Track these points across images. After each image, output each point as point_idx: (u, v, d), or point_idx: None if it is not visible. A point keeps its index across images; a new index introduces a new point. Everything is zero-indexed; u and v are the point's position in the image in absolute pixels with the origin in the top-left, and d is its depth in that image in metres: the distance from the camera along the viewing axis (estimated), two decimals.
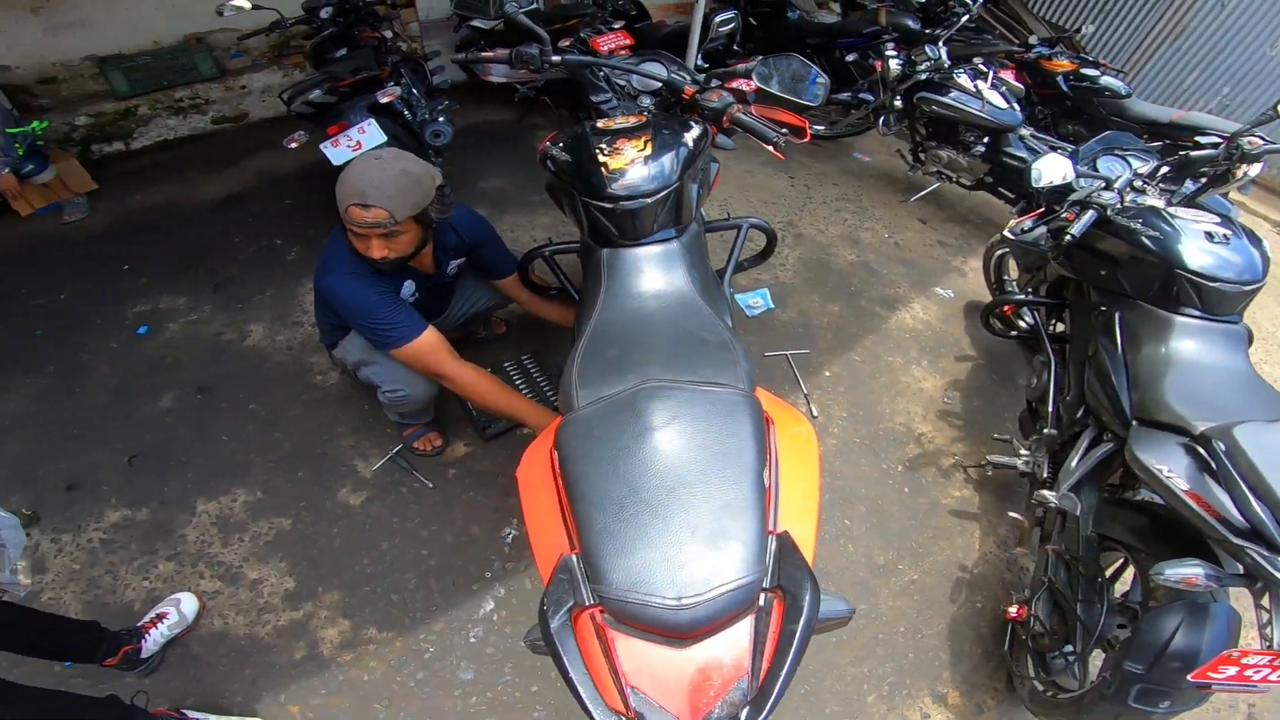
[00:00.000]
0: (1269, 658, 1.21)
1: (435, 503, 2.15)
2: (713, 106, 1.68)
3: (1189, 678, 1.27)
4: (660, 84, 1.89)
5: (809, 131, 1.76)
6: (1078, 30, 4.64)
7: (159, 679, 1.75)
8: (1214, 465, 1.34)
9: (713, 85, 1.79)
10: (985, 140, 3.41)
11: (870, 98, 3.99)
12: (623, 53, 3.42)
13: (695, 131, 1.68)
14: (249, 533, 2.06)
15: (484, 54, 1.90)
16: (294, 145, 2.69)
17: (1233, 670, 1.23)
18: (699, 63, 3.76)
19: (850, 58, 4.36)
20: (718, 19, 3.65)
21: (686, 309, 1.45)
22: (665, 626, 0.88)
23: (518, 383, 2.52)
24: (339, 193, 1.62)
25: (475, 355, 2.54)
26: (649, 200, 1.53)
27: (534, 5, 4.02)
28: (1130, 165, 2.25)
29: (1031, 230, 2.13)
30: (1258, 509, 1.24)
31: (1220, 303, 1.72)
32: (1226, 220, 1.84)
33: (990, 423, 2.60)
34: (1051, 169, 2.00)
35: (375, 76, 2.82)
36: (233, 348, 2.66)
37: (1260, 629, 1.30)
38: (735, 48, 4.18)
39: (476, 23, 3.98)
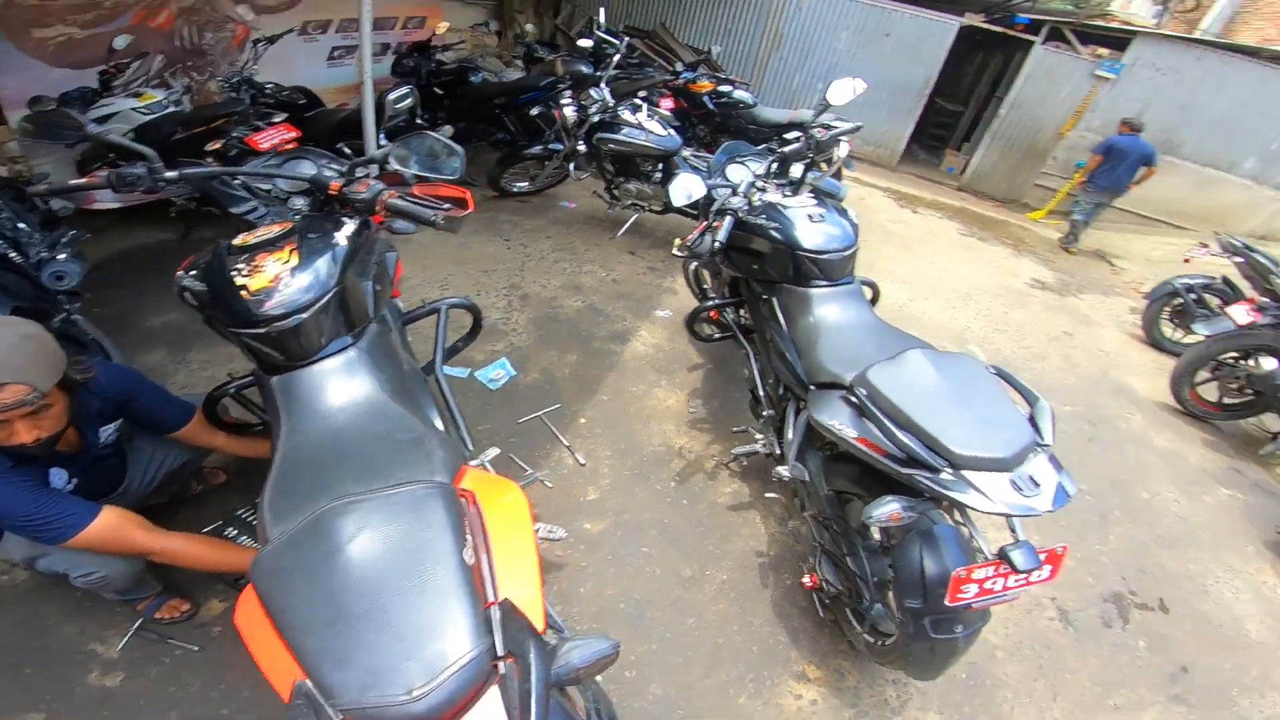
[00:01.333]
0: (992, 567, 1.33)
1: (211, 662, 1.84)
2: (361, 198, 1.62)
3: (947, 603, 1.34)
4: (307, 183, 1.79)
5: (471, 201, 1.81)
6: (709, 51, 5.44)
7: None
8: (862, 408, 1.55)
9: (359, 175, 1.73)
10: (660, 167, 3.84)
11: (559, 147, 4.24)
12: (289, 146, 3.21)
13: (349, 228, 1.61)
14: None
15: (72, 184, 1.63)
16: None
17: (974, 589, 1.34)
18: (382, 142, 3.68)
19: (535, 111, 4.57)
20: (391, 96, 3.61)
21: (375, 415, 1.40)
22: None
23: (255, 527, 2.18)
24: None
25: (201, 512, 2.22)
26: (305, 315, 1.43)
27: (168, 110, 3.59)
28: (750, 169, 2.65)
29: (700, 242, 2.38)
30: (903, 438, 1.43)
31: (833, 270, 2.11)
32: (821, 201, 2.26)
33: (731, 418, 2.89)
34: (682, 188, 2.30)
35: None
36: None
37: (966, 544, 1.46)
38: (419, 121, 4.14)
39: None
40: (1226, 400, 3.66)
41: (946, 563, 1.41)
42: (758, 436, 2.40)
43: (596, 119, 3.80)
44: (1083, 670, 2.17)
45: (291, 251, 1.49)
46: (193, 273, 1.53)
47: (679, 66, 5.16)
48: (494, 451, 1.95)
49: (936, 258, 5.29)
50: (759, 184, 2.38)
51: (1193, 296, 4.14)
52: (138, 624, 1.91)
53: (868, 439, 1.53)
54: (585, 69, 4.57)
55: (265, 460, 2.05)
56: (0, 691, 1.75)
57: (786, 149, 2.42)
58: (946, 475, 1.38)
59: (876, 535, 1.71)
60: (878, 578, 1.69)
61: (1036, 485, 1.37)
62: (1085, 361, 4.18)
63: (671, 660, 1.96)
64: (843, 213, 2.26)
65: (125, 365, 1.75)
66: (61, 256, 2.53)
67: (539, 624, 1.04)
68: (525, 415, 2.76)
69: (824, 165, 2.60)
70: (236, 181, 1.83)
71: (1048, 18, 7.58)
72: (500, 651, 0.96)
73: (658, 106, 4.03)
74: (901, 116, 7.79)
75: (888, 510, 1.42)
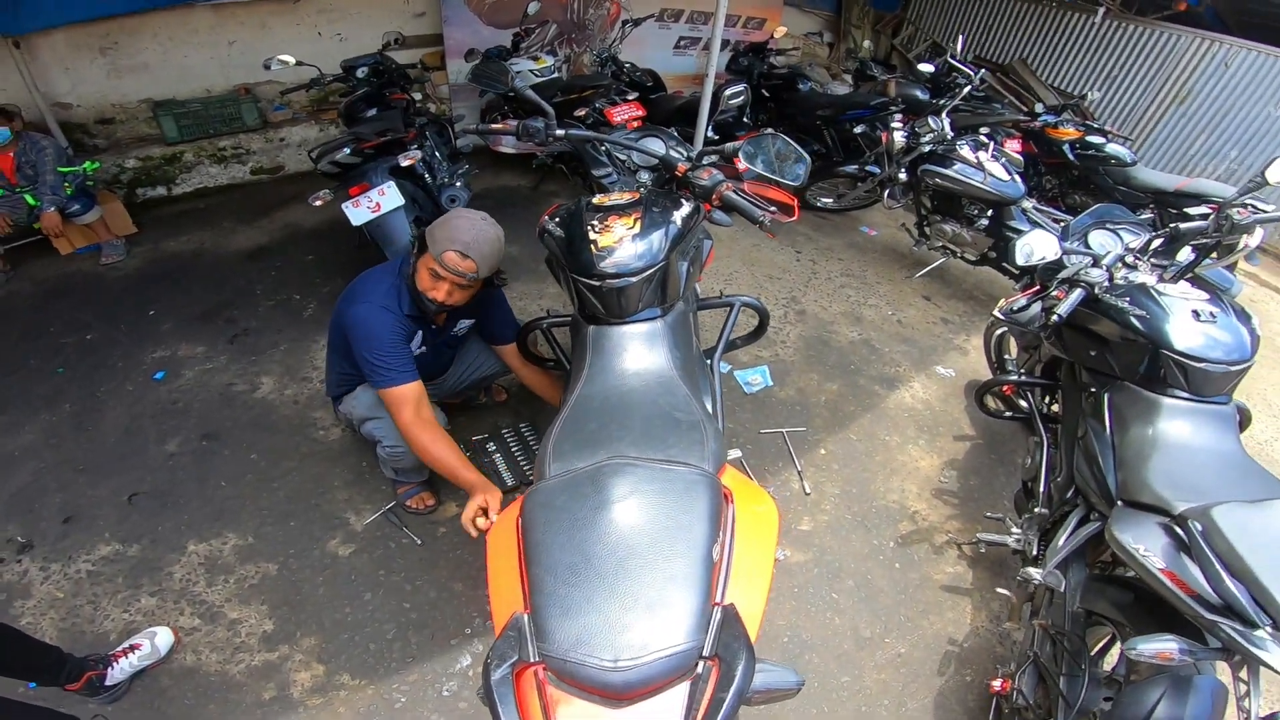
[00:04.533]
0: None
1: (422, 559, 2.17)
2: (703, 184, 1.73)
3: None
4: (657, 160, 1.97)
5: (798, 209, 1.82)
6: (1083, 96, 4.68)
7: (120, 708, 1.77)
8: (1190, 545, 1.37)
9: (704, 163, 1.85)
10: (989, 213, 3.42)
11: (877, 170, 4.05)
12: (635, 124, 3.58)
13: (685, 210, 1.73)
14: (235, 575, 2.09)
15: (493, 126, 1.99)
16: (319, 203, 2.81)
17: None
18: (709, 134, 3.91)
19: (859, 129, 4.42)
20: (727, 92, 3.78)
21: (664, 388, 1.48)
22: (601, 687, 0.91)
23: (514, 449, 2.53)
24: (438, 235, 1.77)
25: (474, 421, 2.63)
26: (634, 279, 1.58)
27: (554, 75, 4.22)
28: (1122, 239, 2.21)
29: (1025, 309, 2.11)
30: (1231, 586, 1.27)
31: (1207, 383, 1.70)
32: (1216, 297, 1.82)
33: (985, 502, 2.56)
34: (1037, 246, 1.99)
35: (400, 139, 2.96)
36: (242, 398, 2.74)
37: (1238, 700, 1.32)
38: (745, 120, 4.29)
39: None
40: None
41: (1184, 713, 1.31)
42: (1014, 530, 2.11)
43: (927, 149, 3.52)
44: None
45: (636, 220, 1.65)
46: (556, 219, 1.77)
47: (1039, 108, 4.52)
48: (736, 453, 1.98)
49: None
50: (1129, 259, 2.00)
51: None
52: (389, 505, 2.29)
53: (1177, 574, 1.38)
54: (920, 95, 4.31)
55: (540, 399, 2.39)
56: (264, 537, 2.20)
57: (1186, 225, 1.99)
58: (1263, 633, 1.24)
59: (1108, 666, 1.63)
60: (1086, 708, 1.55)
61: None
62: None
63: (808, 709, 1.87)
64: (1244, 317, 1.78)
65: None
66: (458, 184, 3.19)
67: (753, 639, 1.03)
68: (769, 428, 2.75)
69: (1216, 253, 2.09)
70: (603, 147, 2.06)
71: None
72: (707, 652, 0.96)
73: (1002, 146, 3.56)
74: None
75: (1162, 647, 1.31)
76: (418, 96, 3.89)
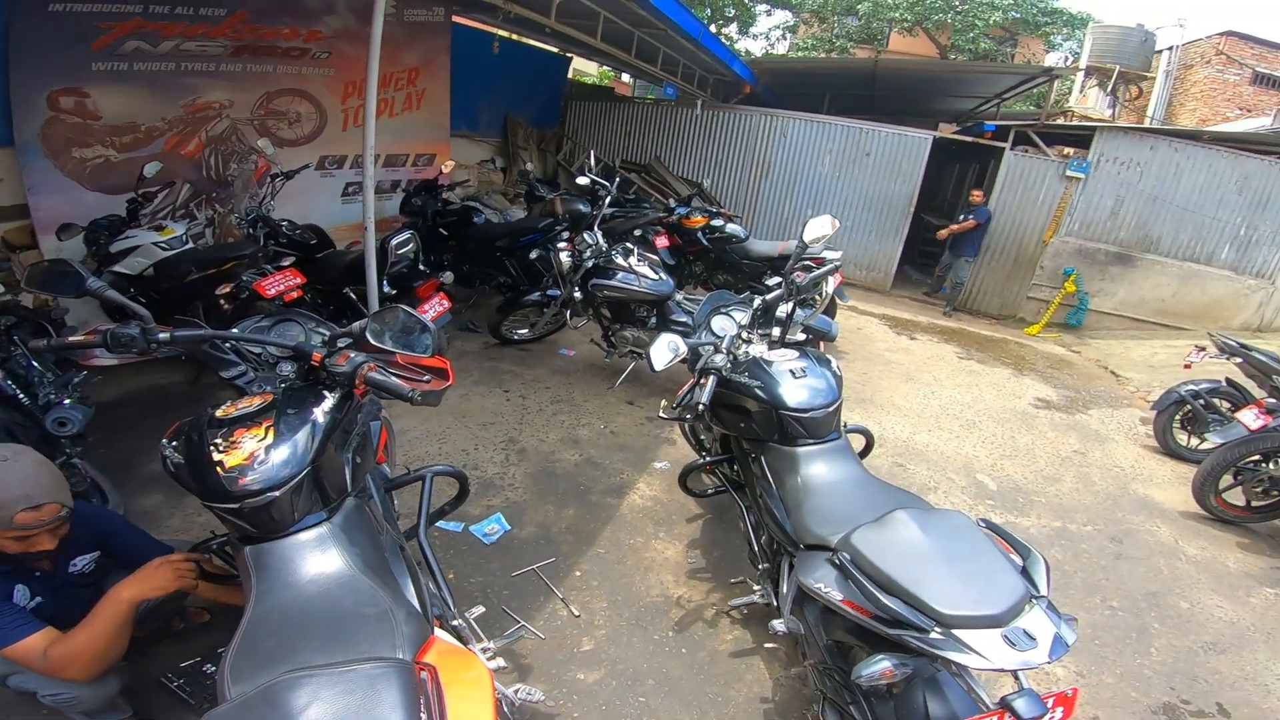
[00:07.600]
0: (995, 717, 1.31)
1: None
2: (341, 371, 1.61)
3: None
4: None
5: (452, 374, 1.82)
6: (699, 184, 5.59)
7: None
8: (846, 573, 1.52)
9: (340, 347, 1.74)
10: (655, 312, 3.79)
11: (557, 293, 4.16)
12: (295, 294, 3.33)
13: (328, 402, 1.61)
14: None
15: (69, 341, 1.66)
16: None
17: None
18: (386, 290, 3.79)
19: (534, 254, 4.45)
20: (394, 242, 3.71)
21: (345, 588, 1.39)
22: None
23: None
24: None
25: (181, 648, 2.20)
26: (278, 493, 1.42)
27: (187, 245, 3.62)
28: (735, 319, 2.60)
29: (685, 402, 2.32)
30: (887, 601, 1.40)
31: (818, 427, 2.07)
32: (804, 354, 2.24)
33: (731, 569, 2.77)
34: (661, 352, 2.17)
35: None
36: None
37: (969, 693, 1.41)
38: (422, 267, 4.08)
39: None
40: (1255, 503, 3.51)
41: (954, 708, 1.40)
42: (755, 588, 2.29)
43: (590, 264, 3.76)
44: None
45: (269, 429, 1.50)
46: (174, 444, 1.53)
47: (673, 202, 5.24)
48: (479, 610, 1.88)
49: (938, 385, 5.27)
50: (744, 335, 2.37)
51: (1200, 403, 4.03)
52: None
53: (854, 602, 1.50)
54: (583, 208, 4.49)
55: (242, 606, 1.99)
56: None
57: (768, 297, 2.42)
58: (936, 635, 1.36)
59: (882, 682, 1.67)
60: None
61: (1032, 639, 1.34)
62: (1101, 478, 4.05)
63: None
64: (825, 363, 2.24)
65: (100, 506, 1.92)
66: (67, 402, 2.50)
67: None
68: (519, 569, 2.67)
69: (816, 298, 2.60)
70: (226, 345, 1.85)
71: (1012, 122, 7.83)
72: None
73: (653, 244, 4.07)
74: (890, 237, 7.94)
75: (879, 668, 1.40)
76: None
